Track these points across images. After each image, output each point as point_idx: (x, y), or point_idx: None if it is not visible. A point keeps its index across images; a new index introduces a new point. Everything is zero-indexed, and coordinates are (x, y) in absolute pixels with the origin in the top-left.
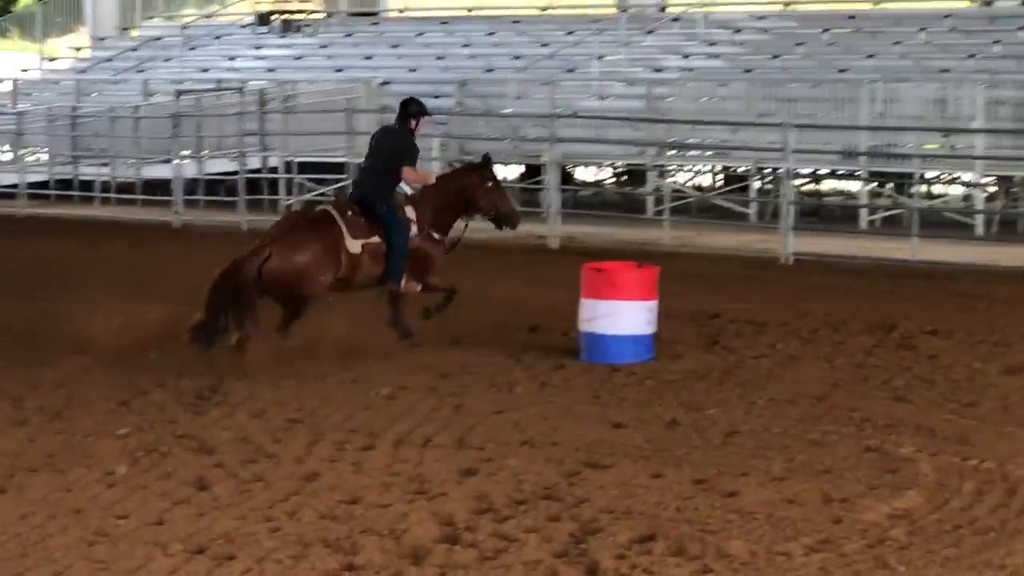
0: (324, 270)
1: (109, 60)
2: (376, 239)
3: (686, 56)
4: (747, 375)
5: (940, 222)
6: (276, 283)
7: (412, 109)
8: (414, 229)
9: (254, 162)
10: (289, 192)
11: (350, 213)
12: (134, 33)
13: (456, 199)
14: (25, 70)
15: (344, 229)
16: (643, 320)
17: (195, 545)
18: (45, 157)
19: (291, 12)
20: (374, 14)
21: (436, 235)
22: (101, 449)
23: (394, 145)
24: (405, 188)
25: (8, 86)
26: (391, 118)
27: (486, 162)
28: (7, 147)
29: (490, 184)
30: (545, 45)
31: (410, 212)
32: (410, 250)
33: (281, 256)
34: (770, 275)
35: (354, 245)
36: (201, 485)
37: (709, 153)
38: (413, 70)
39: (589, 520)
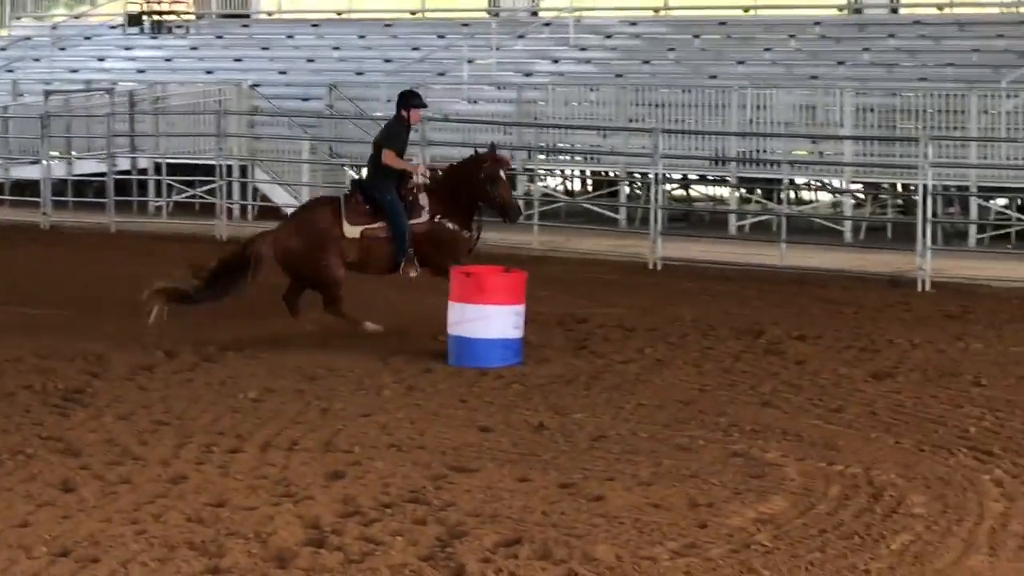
0: (322, 254)
1: None
2: (379, 224)
3: (557, 61)
4: (615, 380)
5: (808, 228)
6: (281, 265)
7: (405, 100)
8: (424, 216)
9: (123, 163)
10: (159, 194)
11: (355, 200)
12: (3, 33)
13: (462, 188)
14: None
15: (344, 216)
16: (511, 324)
17: (59, 547)
18: None
19: (161, 13)
20: (245, 16)
21: (450, 224)
22: None
23: (381, 133)
24: (422, 177)
25: None
26: (261, 120)
27: (491, 152)
28: None
29: (492, 174)
30: (416, 49)
31: (423, 199)
32: (420, 235)
33: (278, 240)
34: (639, 280)
35: (352, 231)
36: (66, 487)
37: (579, 158)
38: (283, 72)
39: (455, 524)
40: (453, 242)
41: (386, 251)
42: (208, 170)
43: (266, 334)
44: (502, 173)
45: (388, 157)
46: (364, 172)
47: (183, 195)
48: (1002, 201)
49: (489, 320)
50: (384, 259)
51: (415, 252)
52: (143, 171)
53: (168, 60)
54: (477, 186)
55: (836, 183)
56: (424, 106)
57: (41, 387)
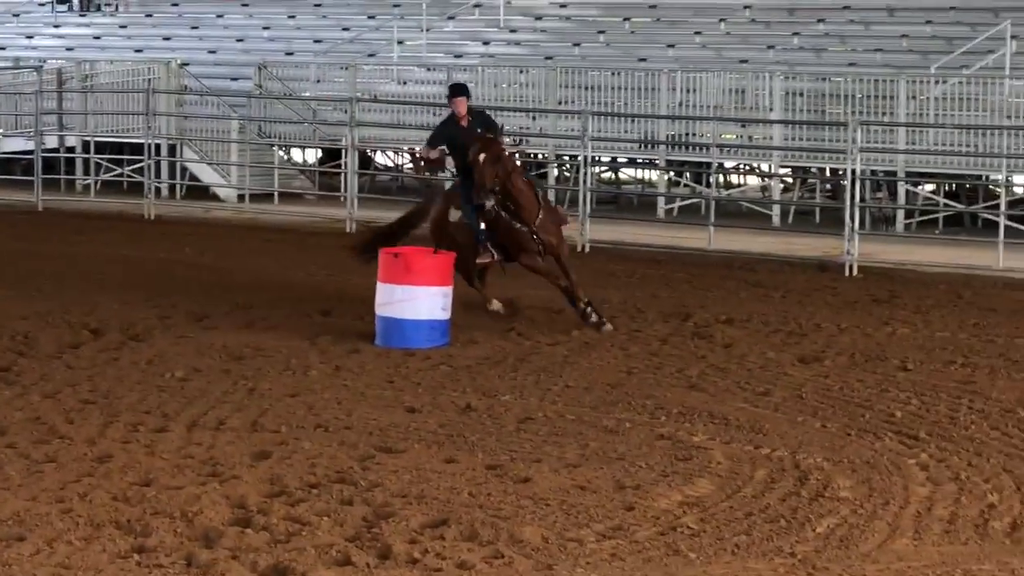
0: (439, 232)
1: None
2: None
3: (487, 43)
4: (542, 362)
5: (737, 212)
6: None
7: (449, 92)
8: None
9: (51, 141)
10: (86, 172)
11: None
12: None
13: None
14: None
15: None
16: (438, 305)
17: None
18: None
19: None
20: None
21: (503, 213)
22: None
23: None
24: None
25: None
26: (190, 99)
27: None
28: None
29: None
30: (346, 29)
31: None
32: (489, 225)
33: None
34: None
35: (454, 215)
36: None
37: (507, 140)
38: (213, 51)
39: (382, 504)
40: (508, 233)
41: (469, 238)
42: (136, 149)
43: (193, 313)
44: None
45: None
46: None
47: (111, 174)
48: (929, 187)
49: (417, 301)
50: (470, 245)
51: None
52: (71, 149)
53: (97, 38)
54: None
55: (765, 167)
56: (460, 94)
57: None
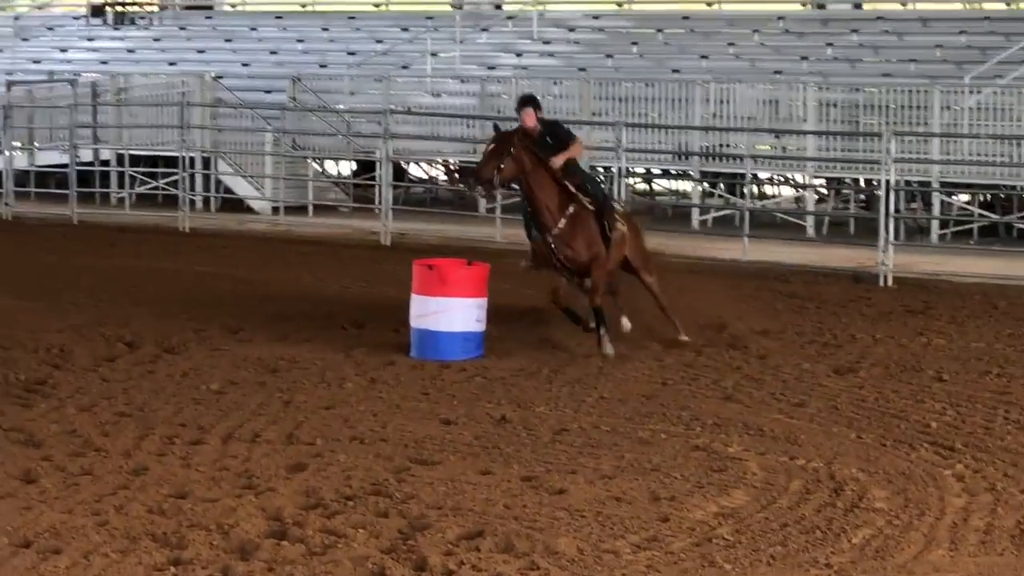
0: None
1: None
2: None
3: (520, 54)
4: (577, 373)
5: (771, 223)
6: None
7: (517, 103)
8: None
9: (86, 155)
10: (121, 185)
11: None
12: None
13: None
14: None
15: None
16: (473, 317)
17: (21, 539)
18: None
19: (125, 4)
20: (208, 8)
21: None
22: None
23: None
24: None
25: None
26: (224, 112)
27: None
28: None
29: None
30: (380, 41)
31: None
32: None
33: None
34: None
35: None
36: (28, 478)
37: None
38: (247, 64)
39: (417, 516)
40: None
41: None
42: (171, 162)
43: (228, 326)
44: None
45: None
46: None
47: (146, 187)
48: (964, 197)
49: (452, 313)
50: None
51: None
52: (105, 162)
53: (131, 51)
54: None
55: (799, 178)
56: (526, 105)
57: (2, 378)
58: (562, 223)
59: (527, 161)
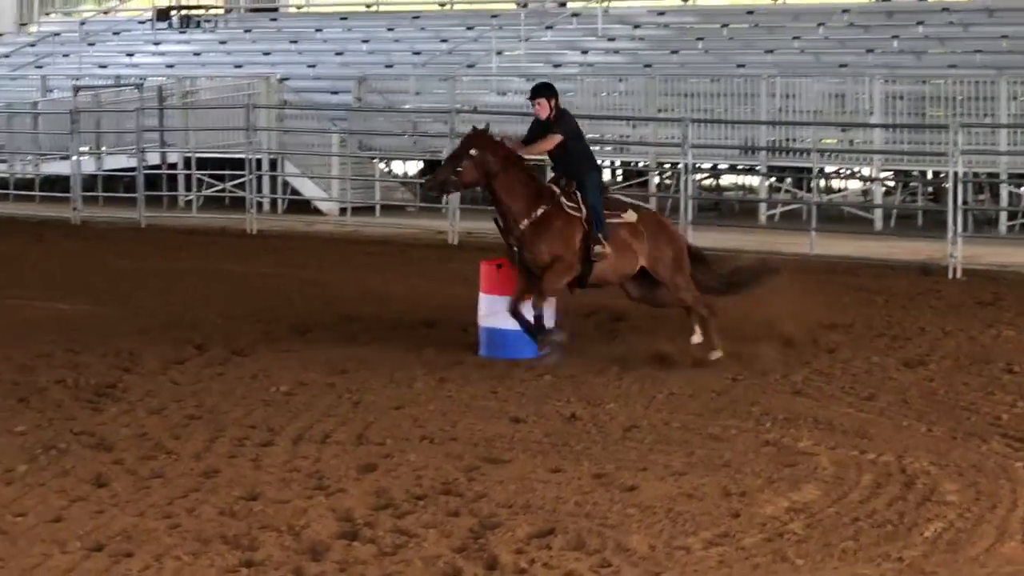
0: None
1: (7, 56)
2: None
3: (585, 51)
4: (646, 369)
5: (839, 216)
6: None
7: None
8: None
9: (153, 158)
10: (188, 188)
11: None
12: (32, 29)
13: None
14: None
15: None
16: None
17: (93, 542)
18: None
19: (190, 7)
20: (273, 9)
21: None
22: None
23: None
24: None
25: None
26: (291, 113)
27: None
28: None
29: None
30: (444, 40)
31: None
32: None
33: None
34: None
35: None
36: (99, 482)
37: (609, 148)
38: (312, 66)
39: (488, 515)
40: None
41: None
42: (237, 164)
43: (297, 327)
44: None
45: None
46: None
47: (213, 189)
48: None
49: None
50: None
51: None
52: (172, 166)
53: (197, 54)
54: None
55: (866, 171)
56: (538, 95)
57: (73, 382)
58: (525, 223)
59: (492, 163)
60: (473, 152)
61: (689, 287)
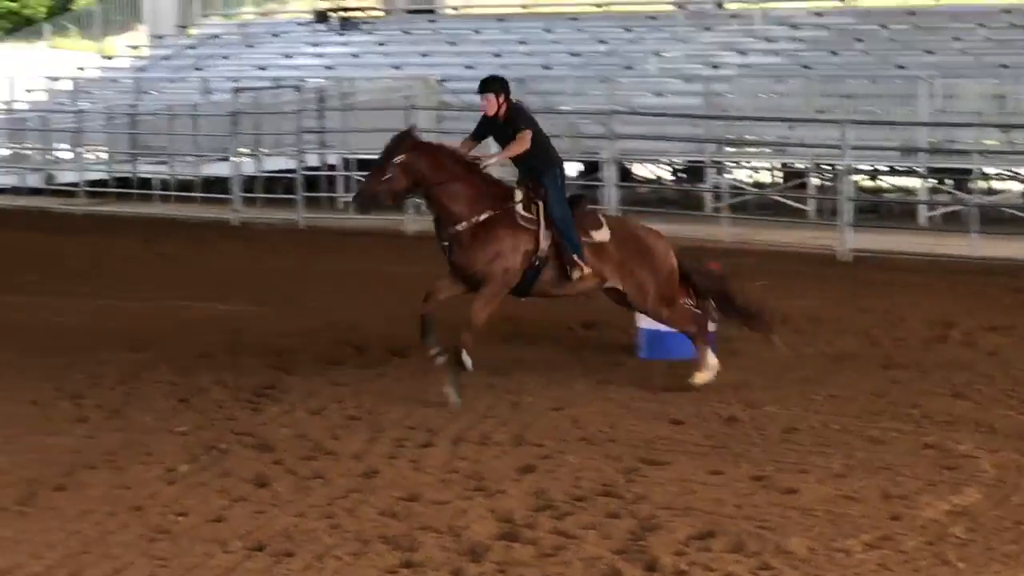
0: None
1: (167, 58)
2: None
3: (744, 52)
4: (805, 372)
5: (1000, 218)
6: None
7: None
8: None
9: (312, 159)
10: (347, 190)
11: None
12: (192, 31)
13: None
14: (84, 69)
15: None
16: None
17: (254, 542)
18: (104, 155)
19: (349, 9)
20: (431, 12)
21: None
22: (160, 446)
23: None
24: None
25: (68, 85)
26: (449, 115)
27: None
28: (67, 145)
29: None
30: (602, 42)
31: None
32: None
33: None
34: (828, 272)
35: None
36: (260, 482)
37: (767, 150)
38: (470, 67)
39: (648, 517)
40: None
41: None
42: None
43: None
44: None
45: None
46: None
47: None
48: None
49: None
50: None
51: None
52: (331, 167)
53: (355, 56)
54: None
55: None
56: (486, 90)
57: (233, 383)
58: (462, 226)
59: (425, 168)
60: (399, 159)
61: (675, 313)
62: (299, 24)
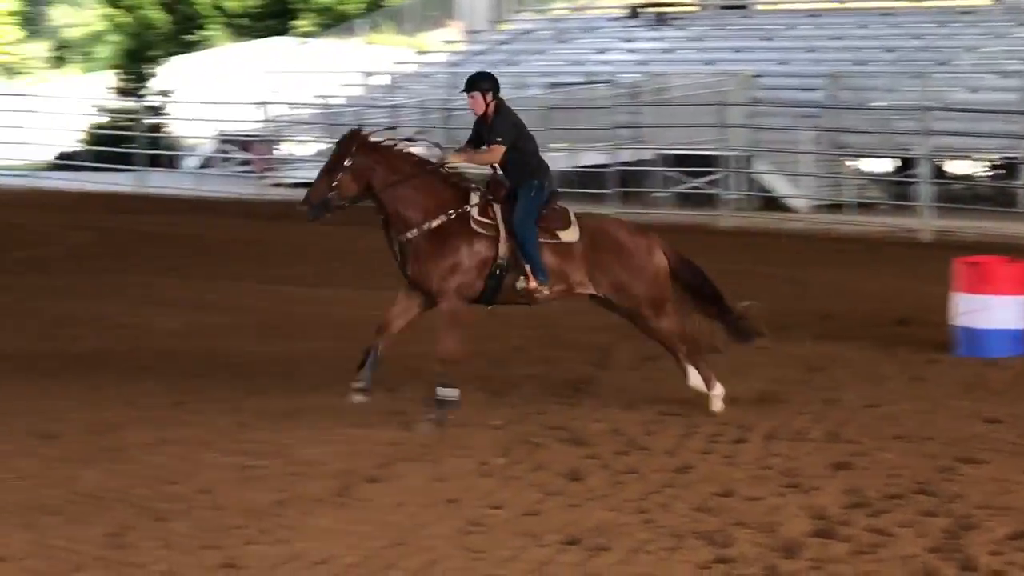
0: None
1: (481, 53)
2: None
3: None
4: None
5: None
6: None
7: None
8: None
9: (625, 155)
10: (663, 185)
11: None
12: (505, 27)
13: None
14: (399, 64)
15: None
16: (1017, 314)
17: (568, 536)
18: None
19: (662, 5)
20: (744, 7)
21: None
22: (475, 440)
23: None
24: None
25: (383, 80)
26: (762, 110)
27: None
28: None
29: None
30: (917, 38)
31: None
32: None
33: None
34: None
35: None
36: (574, 476)
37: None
38: (783, 63)
39: (964, 515)
40: None
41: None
42: (705, 161)
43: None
44: None
45: None
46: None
47: (684, 186)
48: None
49: (994, 310)
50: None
51: None
52: (644, 162)
53: (669, 51)
54: None
55: None
56: (471, 88)
57: (546, 377)
58: (413, 233)
59: (379, 170)
60: (347, 162)
61: (664, 323)
62: (611, 19)
